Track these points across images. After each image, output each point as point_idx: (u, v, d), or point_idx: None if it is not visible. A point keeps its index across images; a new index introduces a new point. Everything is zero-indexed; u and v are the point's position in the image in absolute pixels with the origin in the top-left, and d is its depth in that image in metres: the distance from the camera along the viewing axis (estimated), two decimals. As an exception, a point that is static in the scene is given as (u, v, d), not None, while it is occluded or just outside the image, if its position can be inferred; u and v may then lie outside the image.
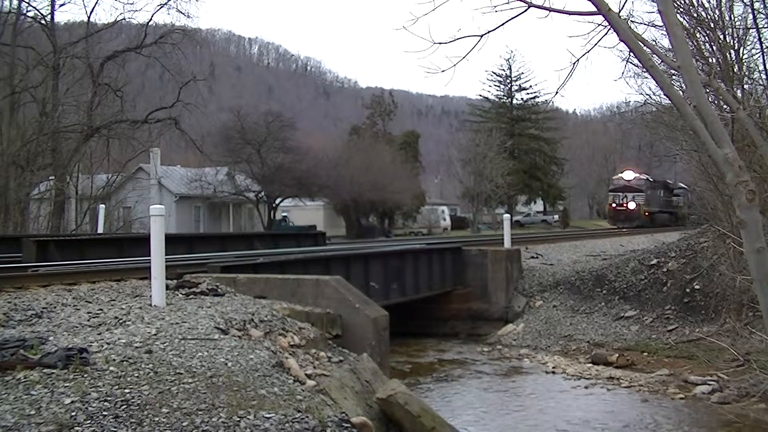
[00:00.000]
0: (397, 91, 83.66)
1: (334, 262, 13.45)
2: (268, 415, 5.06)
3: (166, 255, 7.97)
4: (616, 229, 42.01)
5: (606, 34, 5.99)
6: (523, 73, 69.46)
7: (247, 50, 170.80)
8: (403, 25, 5.81)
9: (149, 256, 7.88)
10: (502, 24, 5.90)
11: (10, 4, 27.02)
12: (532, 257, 20.98)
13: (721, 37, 12.65)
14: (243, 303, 8.08)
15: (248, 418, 4.93)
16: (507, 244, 19.59)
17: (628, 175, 47.92)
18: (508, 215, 22.58)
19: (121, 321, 6.78)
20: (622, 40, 5.54)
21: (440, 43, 5.94)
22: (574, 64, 6.16)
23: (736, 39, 12.94)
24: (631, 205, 45.51)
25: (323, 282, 8.93)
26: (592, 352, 14.66)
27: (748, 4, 12.41)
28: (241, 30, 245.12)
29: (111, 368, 5.25)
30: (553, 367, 13.91)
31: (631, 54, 6.21)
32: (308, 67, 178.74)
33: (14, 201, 23.36)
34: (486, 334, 17.21)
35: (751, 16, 12.38)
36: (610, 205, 47.54)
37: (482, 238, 29.11)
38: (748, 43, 13.21)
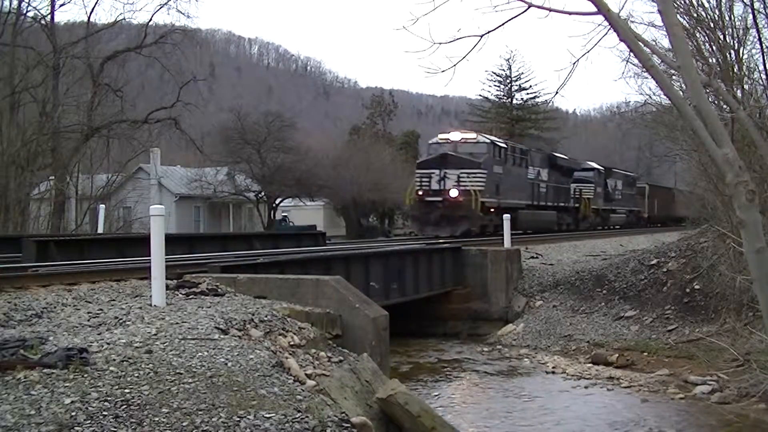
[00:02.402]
0: (397, 91, 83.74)
1: (334, 262, 13.44)
2: (268, 415, 5.06)
3: (166, 255, 7.97)
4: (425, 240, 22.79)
5: (606, 34, 5.99)
6: (523, 73, 69.36)
7: (247, 50, 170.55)
8: (403, 25, 5.83)
9: (149, 256, 7.88)
10: (502, 24, 5.91)
11: (10, 4, 27.01)
12: (532, 257, 20.98)
13: (721, 37, 12.67)
14: (243, 303, 8.08)
15: (248, 418, 4.93)
16: (507, 244, 19.57)
17: (455, 135, 26.28)
18: (508, 215, 22.49)
19: (121, 321, 6.78)
20: (622, 40, 5.54)
21: (440, 43, 5.95)
22: (574, 64, 6.17)
23: (736, 39, 12.98)
24: (454, 192, 24.13)
25: (323, 282, 8.92)
26: (592, 352, 14.66)
27: (748, 4, 12.44)
28: (241, 30, 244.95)
29: (111, 368, 5.26)
30: (553, 367, 13.91)
31: (631, 54, 6.21)
32: (308, 67, 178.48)
33: (14, 201, 23.37)
34: (486, 334, 17.20)
35: (751, 16, 12.41)
36: (417, 192, 24.97)
37: (482, 238, 29.02)
38: (748, 43, 13.26)
